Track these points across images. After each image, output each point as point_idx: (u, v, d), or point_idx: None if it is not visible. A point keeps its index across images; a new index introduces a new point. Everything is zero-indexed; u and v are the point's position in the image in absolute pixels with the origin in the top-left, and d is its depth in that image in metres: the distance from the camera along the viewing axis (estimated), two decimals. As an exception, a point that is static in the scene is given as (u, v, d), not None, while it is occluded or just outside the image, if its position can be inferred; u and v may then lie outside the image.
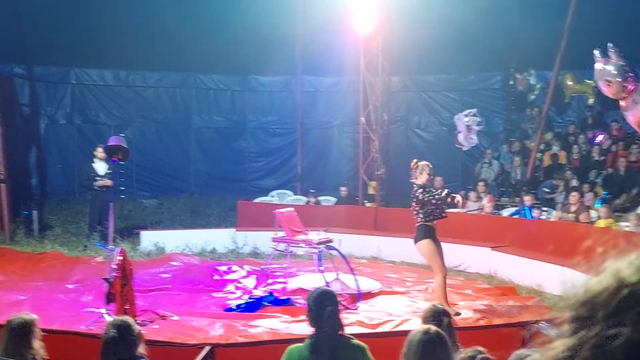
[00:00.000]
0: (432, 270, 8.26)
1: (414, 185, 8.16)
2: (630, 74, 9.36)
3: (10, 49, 14.92)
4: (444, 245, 11.44)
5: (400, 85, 18.09)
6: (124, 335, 4.00)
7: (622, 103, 9.15)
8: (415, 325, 6.86)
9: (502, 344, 4.01)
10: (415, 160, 8.43)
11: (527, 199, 12.54)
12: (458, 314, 7.91)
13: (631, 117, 9.44)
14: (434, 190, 8.30)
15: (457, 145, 15.33)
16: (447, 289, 9.46)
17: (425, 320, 4.29)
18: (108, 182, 12.28)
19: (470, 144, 15.06)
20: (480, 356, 3.40)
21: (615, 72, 9.18)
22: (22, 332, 4.37)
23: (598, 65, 9.02)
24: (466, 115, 14.80)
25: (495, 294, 9.43)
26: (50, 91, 17.66)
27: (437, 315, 4.31)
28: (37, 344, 4.47)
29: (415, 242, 8.07)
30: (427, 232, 8.06)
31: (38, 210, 14.16)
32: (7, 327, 4.41)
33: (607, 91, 9.31)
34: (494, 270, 10.72)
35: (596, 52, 8.94)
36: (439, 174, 14.91)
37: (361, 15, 13.54)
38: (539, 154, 15.20)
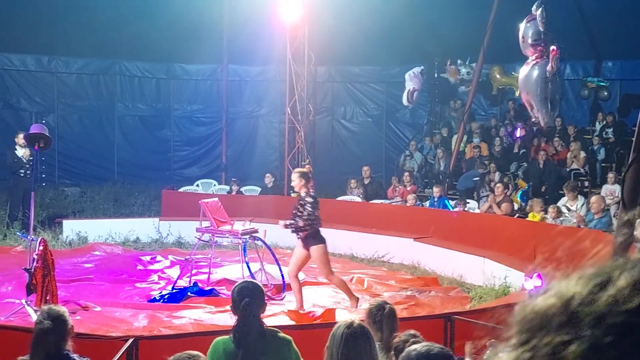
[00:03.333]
0: (323, 274, 8.27)
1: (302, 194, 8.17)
2: (540, 45, 10.17)
3: None
4: (367, 235, 11.79)
5: (326, 75, 18.25)
6: (57, 328, 3.96)
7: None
8: (340, 316, 7.07)
9: (425, 335, 4.20)
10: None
11: (436, 191, 12.93)
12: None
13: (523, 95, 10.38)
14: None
15: (407, 104, 15.77)
16: (371, 279, 9.72)
17: (370, 312, 4.38)
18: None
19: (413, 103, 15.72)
20: (413, 340, 3.52)
21: (530, 35, 10.10)
22: None
23: (523, 23, 9.80)
24: (421, 73, 15.37)
25: (418, 285, 9.69)
26: (-32, 76, 17.02)
27: (380, 310, 4.40)
28: None
29: (310, 245, 8.09)
30: (321, 237, 8.13)
31: (-47, 199, 13.69)
32: None
33: (521, 46, 10.30)
34: (417, 261, 11.00)
35: (533, 8, 9.73)
36: (364, 164, 15.21)
37: (287, 5, 13.61)
38: (461, 146, 15.63)
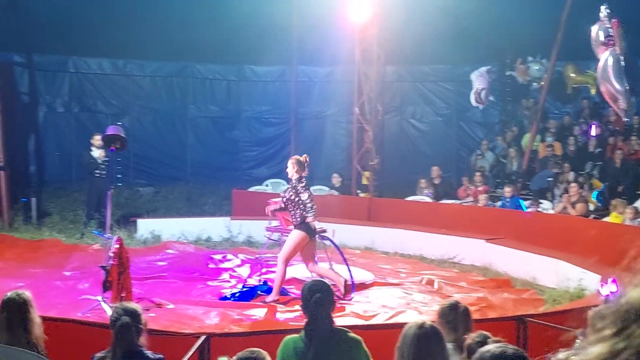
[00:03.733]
0: (281, 256, 8.38)
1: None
2: (611, 41, 10.08)
3: (10, 38, 14.92)
4: (438, 236, 11.65)
5: (395, 75, 18.13)
6: (135, 324, 4.07)
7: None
8: (410, 318, 7.01)
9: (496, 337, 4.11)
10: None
11: (508, 191, 12.66)
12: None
13: (602, 89, 10.17)
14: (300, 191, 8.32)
15: (476, 104, 15.59)
16: (441, 280, 9.59)
17: (443, 312, 4.30)
18: None
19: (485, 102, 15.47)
20: (490, 340, 3.45)
21: (601, 36, 10.04)
22: (18, 307, 4.48)
23: (594, 27, 9.72)
24: (487, 72, 15.20)
25: (490, 286, 9.52)
26: (48, 80, 17.68)
27: (454, 310, 4.31)
28: (38, 328, 4.58)
29: (296, 228, 8.34)
30: (310, 228, 8.34)
31: (36, 198, 14.22)
32: (3, 303, 4.52)
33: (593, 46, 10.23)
34: (489, 263, 10.81)
35: (602, 8, 9.66)
36: (434, 164, 15.06)
37: (357, 5, 13.58)
38: (534, 145, 15.27)
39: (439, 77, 18.28)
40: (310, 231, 8.36)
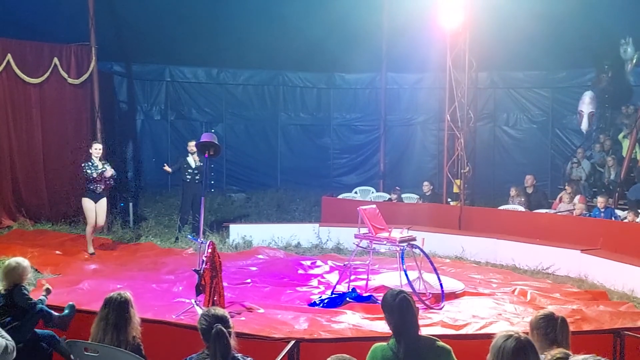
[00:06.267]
0: None
1: None
2: None
3: (110, 48, 15.58)
4: (531, 246, 11.36)
5: (487, 81, 17.81)
6: (227, 329, 4.16)
7: None
8: (501, 328, 6.85)
9: (591, 351, 3.96)
10: None
11: (601, 201, 12.19)
12: None
13: None
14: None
15: (586, 129, 15.29)
16: (535, 291, 9.33)
17: (538, 324, 4.17)
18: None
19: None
20: (572, 358, 3.33)
21: None
22: (120, 306, 4.68)
23: None
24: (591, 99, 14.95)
25: (585, 299, 9.18)
26: (146, 88, 18.39)
27: (551, 321, 4.17)
28: (136, 327, 4.76)
29: None
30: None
31: (133, 203, 14.78)
32: (106, 302, 4.74)
33: None
34: (585, 274, 10.47)
35: None
36: (528, 173, 14.69)
37: (448, 11, 13.43)
38: (634, 153, 14.65)
39: (534, 83, 17.81)
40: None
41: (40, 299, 5.84)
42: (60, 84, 14.26)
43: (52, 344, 5.79)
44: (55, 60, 14.04)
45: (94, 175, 11.30)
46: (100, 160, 11.51)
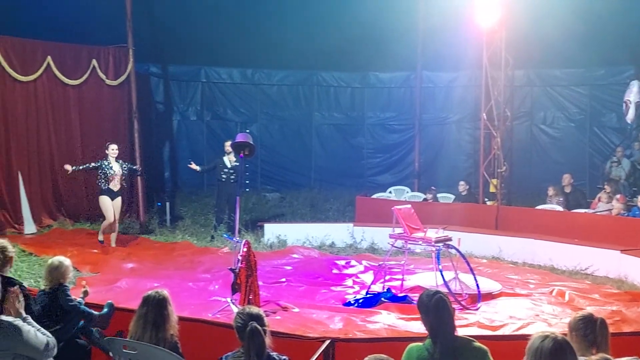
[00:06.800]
0: None
1: None
2: None
3: (147, 49, 15.79)
4: (569, 246, 11.20)
5: (524, 79, 17.61)
6: (262, 327, 4.19)
7: None
8: (539, 329, 6.76)
9: (631, 354, 3.89)
10: None
11: None
12: None
13: None
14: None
15: (627, 118, 14.97)
16: (573, 292, 9.20)
17: (576, 325, 4.12)
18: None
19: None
20: None
21: None
22: (158, 304, 4.74)
23: None
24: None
25: (625, 300, 9.01)
26: (182, 89, 18.58)
27: (590, 322, 4.12)
28: (174, 325, 4.81)
29: None
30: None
31: (170, 202, 14.95)
32: (144, 300, 4.80)
33: None
34: (625, 275, 10.29)
35: None
36: (566, 172, 14.49)
37: (484, 8, 13.30)
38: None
39: (571, 81, 17.55)
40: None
41: (78, 300, 5.94)
42: (98, 86, 14.48)
43: (87, 334, 5.89)
44: (94, 62, 14.26)
45: (107, 175, 11.72)
46: (116, 160, 11.91)
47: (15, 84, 13.03)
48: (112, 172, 11.74)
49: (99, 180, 11.82)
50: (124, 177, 11.99)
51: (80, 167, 11.86)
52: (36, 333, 4.24)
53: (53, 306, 5.75)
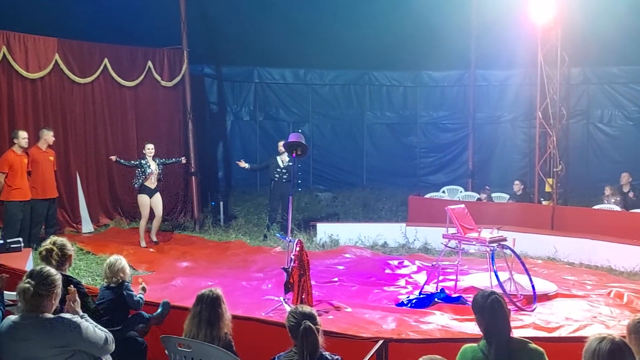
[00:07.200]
0: None
1: None
2: None
3: (201, 51, 16.01)
4: (628, 247, 10.93)
5: (580, 77, 17.27)
6: (315, 327, 4.21)
7: None
8: (596, 331, 6.62)
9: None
10: None
11: None
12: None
13: None
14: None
15: None
16: (632, 294, 8.98)
17: (635, 329, 3.99)
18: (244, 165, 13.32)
19: None
20: None
21: None
22: (212, 302, 4.82)
23: None
24: None
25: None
26: (235, 90, 18.82)
27: None
28: (228, 324, 4.88)
29: None
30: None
31: (224, 202, 15.12)
32: (198, 299, 4.89)
33: None
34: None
35: None
36: (624, 171, 14.14)
37: (539, 5, 13.07)
38: None
39: (630, 78, 17.13)
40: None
41: (139, 296, 6.10)
42: (153, 87, 14.76)
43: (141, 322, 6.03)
44: (149, 63, 14.54)
45: (146, 173, 12.14)
46: (153, 159, 12.33)
47: (73, 86, 13.38)
48: (150, 170, 12.15)
49: (136, 178, 12.25)
50: (160, 175, 12.36)
51: (122, 161, 12.32)
52: (94, 329, 4.35)
53: (115, 302, 5.90)
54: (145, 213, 12.25)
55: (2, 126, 12.15)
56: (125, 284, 6.03)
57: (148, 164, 12.21)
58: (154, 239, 12.43)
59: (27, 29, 12.40)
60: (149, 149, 12.34)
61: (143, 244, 12.17)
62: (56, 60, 12.87)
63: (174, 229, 14.08)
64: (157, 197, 12.36)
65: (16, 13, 12.39)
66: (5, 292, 5.24)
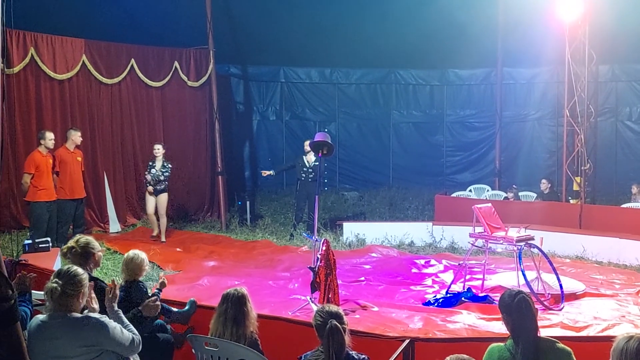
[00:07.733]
0: None
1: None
2: None
3: (227, 51, 16.11)
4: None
5: (608, 74, 17.06)
6: (342, 326, 4.23)
7: None
8: (625, 331, 6.56)
9: None
10: None
11: None
12: None
13: None
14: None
15: None
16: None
17: None
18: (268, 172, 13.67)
19: None
20: None
21: None
22: (237, 301, 4.86)
23: None
24: None
25: None
26: (261, 89, 18.90)
27: None
28: (254, 323, 4.91)
29: None
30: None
31: (250, 201, 15.20)
32: (224, 298, 4.95)
33: None
34: None
35: None
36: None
37: (567, 3, 12.96)
38: None
39: (658, 75, 16.91)
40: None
41: (155, 293, 5.91)
42: (180, 87, 14.88)
43: (163, 330, 6.01)
44: (176, 63, 14.65)
45: (148, 177, 12.60)
46: (160, 160, 12.64)
47: (100, 87, 13.53)
48: (154, 171, 12.52)
49: (145, 178, 12.71)
50: (160, 177, 12.58)
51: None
52: (122, 329, 4.41)
53: (127, 300, 5.75)
54: (149, 211, 12.79)
55: (30, 127, 12.32)
56: (137, 282, 5.88)
57: (154, 164, 12.56)
58: (163, 239, 12.61)
59: (54, 30, 12.56)
60: (156, 149, 12.67)
61: (155, 231, 12.83)
62: (83, 61, 13.02)
63: (201, 229, 14.17)
64: (161, 197, 12.66)
65: (44, 15, 12.54)
66: (33, 291, 5.28)
